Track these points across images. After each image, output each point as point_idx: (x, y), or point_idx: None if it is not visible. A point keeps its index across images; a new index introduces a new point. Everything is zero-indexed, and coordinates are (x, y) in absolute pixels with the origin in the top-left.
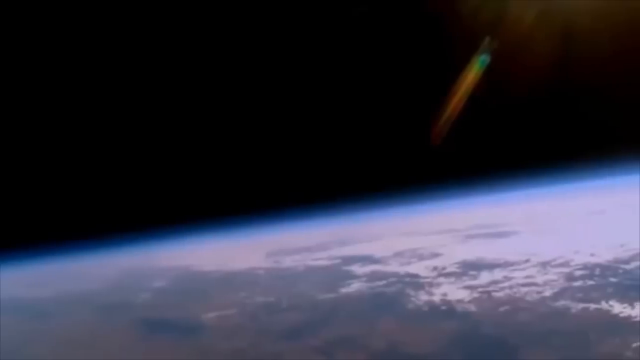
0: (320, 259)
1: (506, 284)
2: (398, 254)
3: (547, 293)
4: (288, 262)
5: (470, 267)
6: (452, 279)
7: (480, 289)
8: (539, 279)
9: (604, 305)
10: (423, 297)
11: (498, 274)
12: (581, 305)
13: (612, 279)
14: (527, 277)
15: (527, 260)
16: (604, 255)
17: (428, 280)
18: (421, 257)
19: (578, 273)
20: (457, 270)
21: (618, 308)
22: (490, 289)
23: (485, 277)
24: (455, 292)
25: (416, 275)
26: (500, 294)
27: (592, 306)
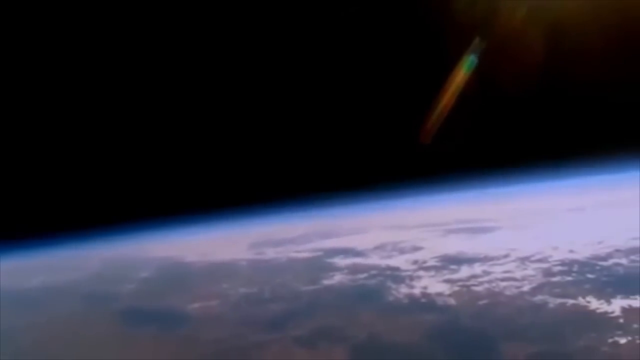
0: (302, 251)
1: (485, 279)
2: (379, 247)
3: (526, 288)
4: (271, 253)
5: (451, 261)
6: (433, 273)
7: (460, 283)
8: (518, 274)
9: (581, 300)
10: (403, 290)
11: (478, 269)
12: (559, 301)
13: (590, 276)
14: (506, 272)
15: (506, 256)
16: (582, 252)
17: (409, 273)
18: (402, 251)
19: (556, 269)
20: (438, 264)
21: (595, 304)
22: (469, 283)
23: (465, 271)
24: (435, 286)
25: (397, 269)
26: (479, 288)
27: (570, 301)
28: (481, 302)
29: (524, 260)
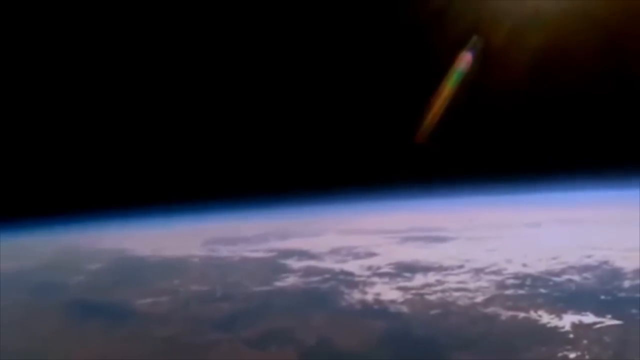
0: (256, 251)
1: (439, 288)
2: (334, 251)
3: (479, 299)
4: (224, 251)
5: (405, 269)
6: (386, 279)
7: (413, 291)
8: (472, 285)
9: (532, 314)
10: (356, 295)
11: (432, 278)
12: (510, 313)
13: (542, 290)
14: (460, 282)
15: (461, 266)
16: (536, 267)
17: (362, 279)
18: (357, 256)
19: (509, 282)
20: (392, 271)
21: (546, 318)
22: (423, 291)
23: (419, 279)
24: (388, 293)
25: (351, 274)
26: (432, 297)
27: (521, 314)
28: (433, 311)
29: (478, 271)
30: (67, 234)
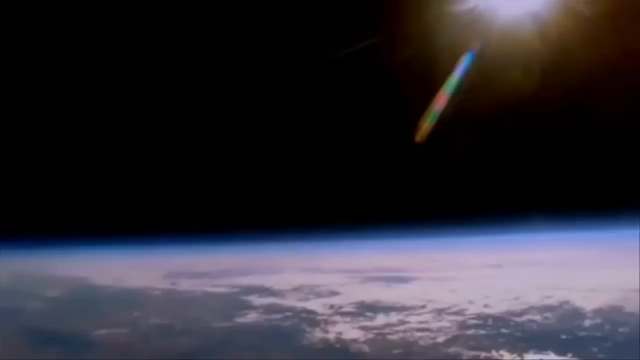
0: (219, 286)
1: (401, 328)
2: (297, 289)
3: (441, 339)
4: (186, 285)
5: (367, 309)
6: (349, 319)
7: (375, 331)
8: (434, 325)
9: (494, 354)
10: (318, 334)
11: (394, 318)
12: (472, 353)
13: (504, 330)
14: (422, 322)
15: (423, 307)
16: (498, 307)
17: (324, 317)
18: (320, 295)
19: (471, 322)
20: (354, 310)
21: (508, 358)
22: (385, 331)
23: (381, 319)
24: (350, 332)
25: (313, 312)
26: (394, 337)
27: (483, 354)
28: (395, 351)
29: (440, 312)
30: (25, 259)
